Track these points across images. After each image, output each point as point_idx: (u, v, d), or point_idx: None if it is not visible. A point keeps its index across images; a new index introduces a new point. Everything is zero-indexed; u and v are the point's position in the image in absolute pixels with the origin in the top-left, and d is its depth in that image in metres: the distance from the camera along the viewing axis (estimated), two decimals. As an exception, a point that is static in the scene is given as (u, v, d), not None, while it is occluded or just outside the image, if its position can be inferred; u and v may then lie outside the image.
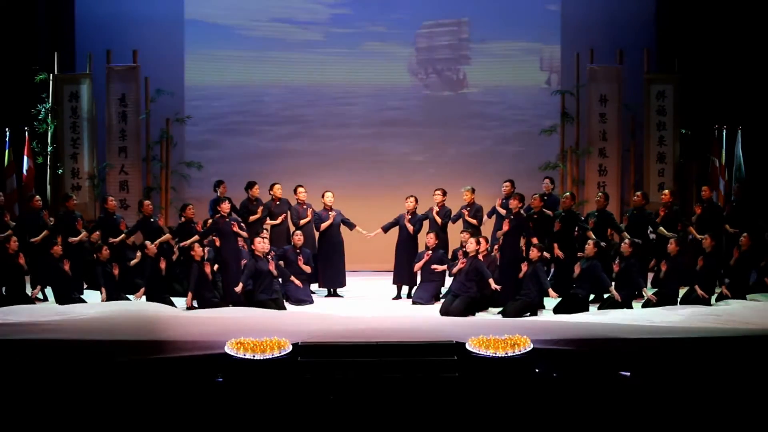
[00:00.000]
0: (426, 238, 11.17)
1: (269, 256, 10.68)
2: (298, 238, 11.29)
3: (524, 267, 10.36)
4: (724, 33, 14.21)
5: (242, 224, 11.09)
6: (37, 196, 11.81)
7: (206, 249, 10.82)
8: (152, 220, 11.63)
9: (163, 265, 10.62)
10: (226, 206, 10.87)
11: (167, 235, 11.32)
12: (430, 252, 10.98)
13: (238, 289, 10.30)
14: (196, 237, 10.74)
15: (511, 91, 14.79)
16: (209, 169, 13.95)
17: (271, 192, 11.89)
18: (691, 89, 14.03)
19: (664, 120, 13.78)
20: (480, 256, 10.41)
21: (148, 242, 10.86)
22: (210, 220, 11.32)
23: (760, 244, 11.34)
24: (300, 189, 11.84)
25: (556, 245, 10.98)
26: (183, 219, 11.36)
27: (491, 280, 10.17)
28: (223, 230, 10.73)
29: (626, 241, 10.52)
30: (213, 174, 13.56)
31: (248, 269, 10.45)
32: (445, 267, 10.91)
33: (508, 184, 11.77)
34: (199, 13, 14.71)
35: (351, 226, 11.85)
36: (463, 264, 10.37)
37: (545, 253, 10.57)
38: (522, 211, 10.88)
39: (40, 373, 8.28)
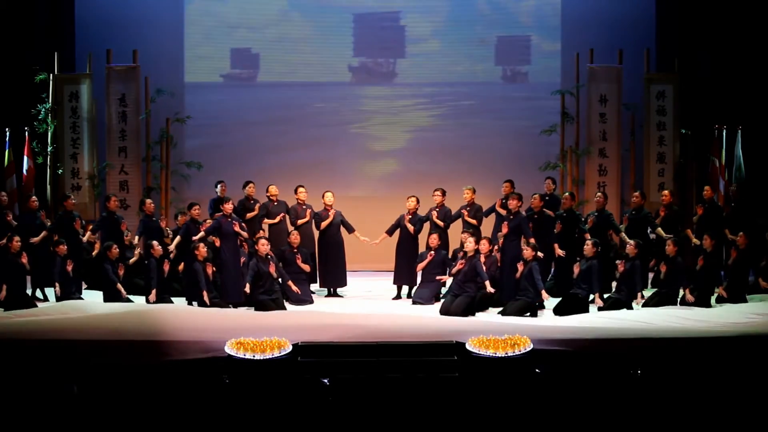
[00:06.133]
0: (428, 239, 11.17)
1: (270, 258, 10.69)
2: (295, 237, 11.29)
3: (520, 267, 10.36)
4: (723, 33, 14.21)
5: (243, 224, 11.09)
6: (34, 197, 11.78)
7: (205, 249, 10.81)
8: (153, 219, 11.61)
9: (166, 266, 10.68)
10: (229, 206, 10.88)
11: (177, 238, 11.18)
12: (433, 253, 10.97)
13: (247, 290, 10.33)
14: (201, 234, 10.68)
15: (509, 90, 14.78)
16: (209, 169, 13.94)
17: (267, 193, 11.91)
18: (691, 89, 14.02)
19: (664, 120, 13.77)
20: (482, 257, 10.40)
21: (155, 242, 10.84)
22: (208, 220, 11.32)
23: (759, 245, 11.32)
24: (300, 189, 11.83)
25: (556, 245, 10.97)
26: (188, 218, 11.31)
27: (487, 283, 10.12)
28: (225, 230, 10.73)
29: (632, 242, 10.49)
30: (213, 174, 13.54)
31: (251, 270, 10.46)
32: (447, 278, 10.71)
33: (507, 184, 11.76)
34: (199, 12, 14.71)
35: (350, 229, 11.82)
36: (462, 265, 10.35)
37: (539, 253, 10.53)
38: (522, 211, 10.88)
39: (40, 373, 8.28)
